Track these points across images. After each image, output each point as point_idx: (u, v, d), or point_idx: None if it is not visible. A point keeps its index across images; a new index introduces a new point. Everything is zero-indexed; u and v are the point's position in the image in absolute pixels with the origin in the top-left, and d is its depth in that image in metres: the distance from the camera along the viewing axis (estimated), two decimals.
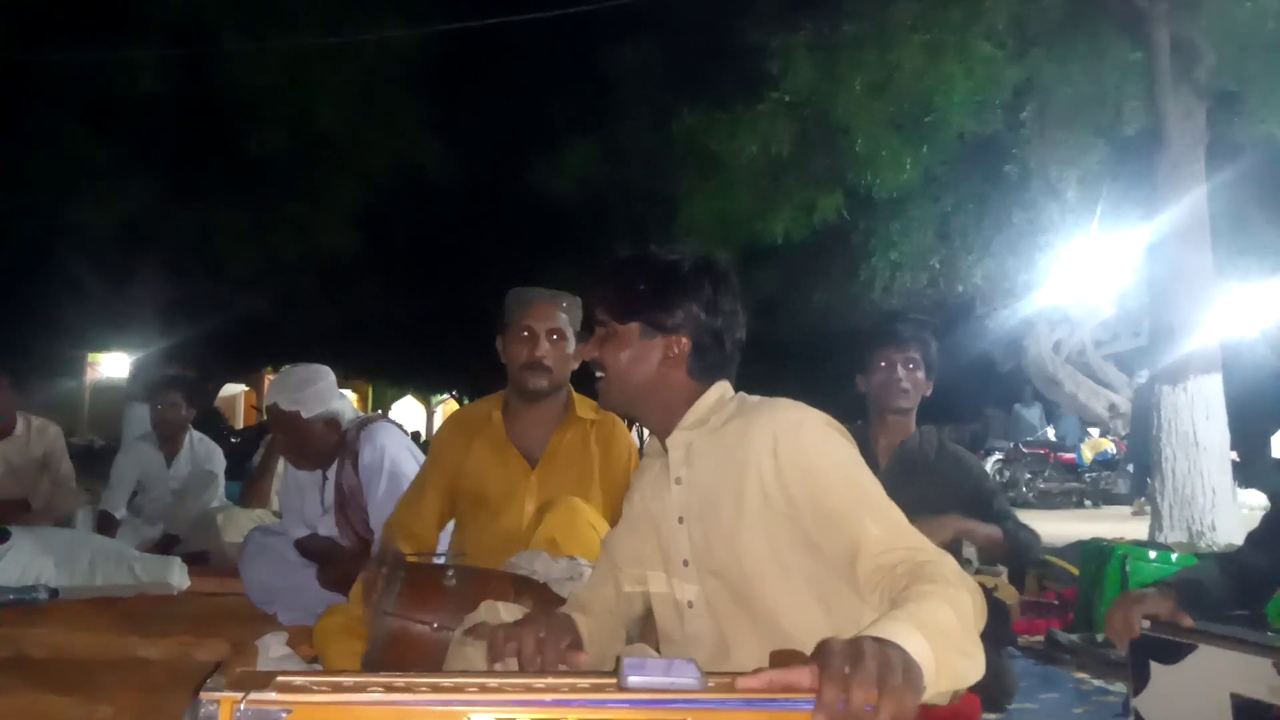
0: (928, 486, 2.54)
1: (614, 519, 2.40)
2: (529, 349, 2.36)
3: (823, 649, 0.94)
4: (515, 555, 2.00)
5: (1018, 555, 2.65)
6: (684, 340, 1.49)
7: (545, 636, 1.34)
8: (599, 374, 1.54)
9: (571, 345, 2.41)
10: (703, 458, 1.47)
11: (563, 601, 1.79)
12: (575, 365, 2.43)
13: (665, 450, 1.53)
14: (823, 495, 1.36)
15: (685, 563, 1.48)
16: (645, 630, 1.62)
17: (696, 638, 1.47)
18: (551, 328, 2.37)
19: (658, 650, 1.56)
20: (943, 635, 1.06)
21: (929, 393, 2.72)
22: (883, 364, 2.66)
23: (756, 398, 1.51)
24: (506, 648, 1.33)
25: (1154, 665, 1.53)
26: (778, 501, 1.38)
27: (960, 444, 2.90)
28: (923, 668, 0.98)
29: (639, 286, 1.50)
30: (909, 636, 1.01)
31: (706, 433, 1.48)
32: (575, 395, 2.50)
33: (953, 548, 2.61)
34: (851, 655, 0.93)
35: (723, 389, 1.53)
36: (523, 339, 2.38)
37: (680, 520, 1.48)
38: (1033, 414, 13.53)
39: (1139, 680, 1.57)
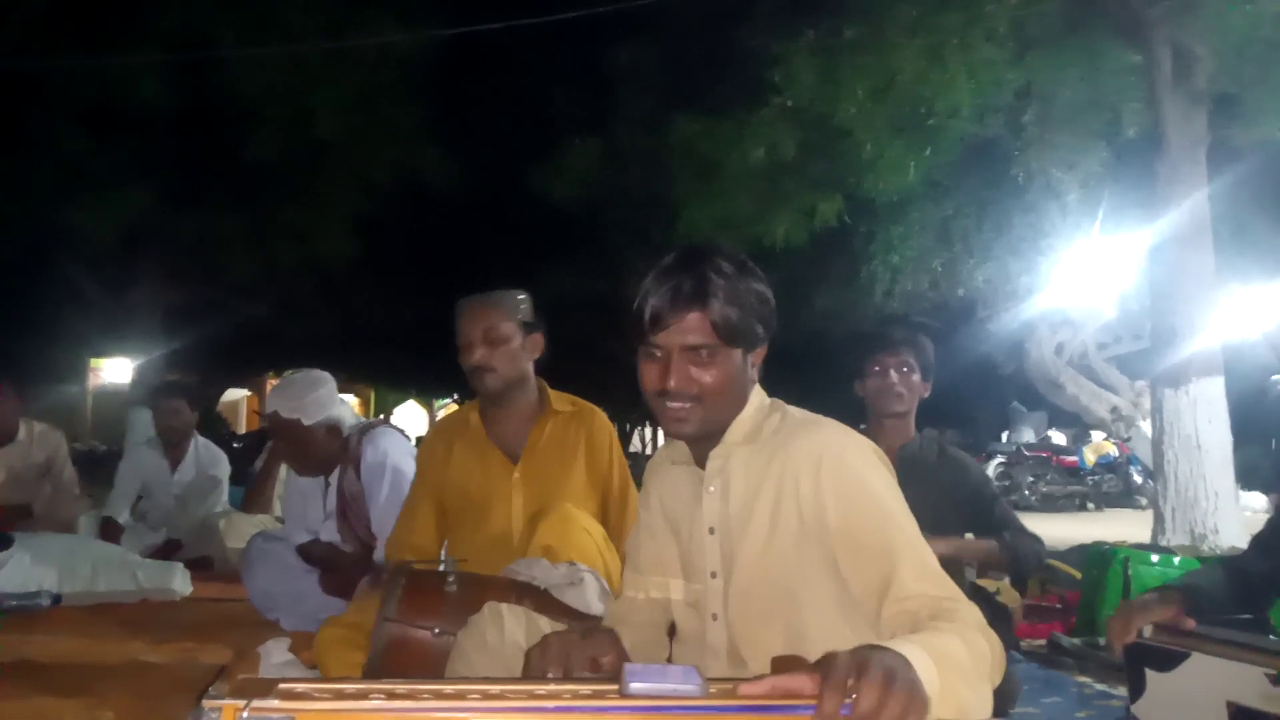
0: (929, 491, 2.52)
1: (603, 509, 2.42)
2: (468, 356, 2.39)
3: (827, 656, 0.94)
4: (514, 562, 2.01)
5: (1017, 566, 2.64)
6: (764, 347, 1.45)
7: (588, 652, 1.31)
8: (685, 401, 1.37)
9: (517, 339, 2.40)
10: (740, 469, 1.42)
11: (565, 607, 1.80)
12: (533, 356, 2.45)
13: (692, 456, 1.48)
14: (858, 527, 1.32)
15: (713, 574, 1.44)
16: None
17: (717, 650, 1.44)
18: (485, 329, 2.38)
19: (670, 657, 1.55)
20: (951, 664, 1.05)
21: (926, 394, 2.72)
22: (876, 369, 2.67)
23: (801, 412, 1.46)
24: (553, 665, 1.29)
25: (1149, 673, 1.53)
26: (812, 524, 1.35)
27: (964, 449, 2.90)
28: (925, 685, 0.97)
29: (751, 303, 1.37)
30: (916, 656, 1.00)
31: (753, 446, 1.43)
32: (550, 390, 2.52)
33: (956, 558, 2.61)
34: (856, 664, 0.92)
35: (760, 395, 1.47)
36: (465, 348, 2.40)
37: (711, 531, 1.44)
38: (1035, 418, 13.55)
39: (1135, 687, 1.56)
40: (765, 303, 1.40)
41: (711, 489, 1.44)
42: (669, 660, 1.51)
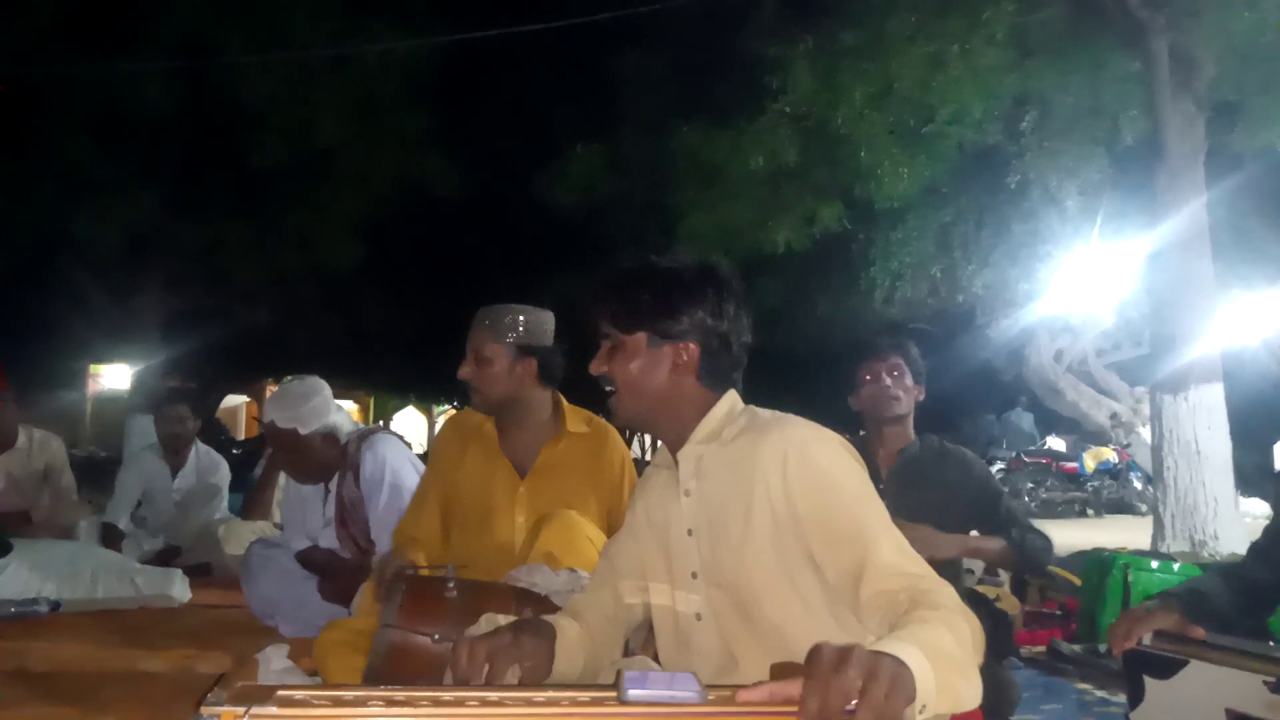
0: (932, 491, 2.53)
1: (611, 530, 2.41)
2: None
3: (813, 655, 0.95)
4: (515, 569, 2.00)
5: (1027, 563, 2.62)
6: (692, 347, 1.48)
7: (496, 653, 1.29)
8: (609, 388, 1.53)
9: (503, 362, 2.38)
10: (713, 471, 1.46)
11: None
12: (526, 379, 2.40)
13: (675, 462, 1.52)
14: (829, 516, 1.35)
15: (694, 575, 1.47)
16: (647, 641, 1.61)
17: (703, 651, 1.46)
18: (474, 348, 2.40)
19: (658, 661, 1.55)
20: (943, 656, 1.07)
21: (921, 398, 2.72)
22: (868, 377, 2.67)
23: (769, 412, 1.50)
24: (460, 662, 1.28)
25: (1148, 680, 1.53)
26: (785, 519, 1.38)
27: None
28: (922, 684, 0.99)
29: (643, 296, 1.49)
30: (909, 653, 1.01)
31: (718, 446, 1.47)
32: (568, 408, 2.50)
33: (956, 561, 2.61)
34: (838, 661, 0.93)
35: (733, 400, 1.53)
36: None
37: (689, 533, 1.48)
38: (1025, 421, 13.52)
39: (1134, 695, 1.56)
40: (666, 297, 1.49)
41: (686, 491, 1.48)
42: (660, 665, 1.52)
